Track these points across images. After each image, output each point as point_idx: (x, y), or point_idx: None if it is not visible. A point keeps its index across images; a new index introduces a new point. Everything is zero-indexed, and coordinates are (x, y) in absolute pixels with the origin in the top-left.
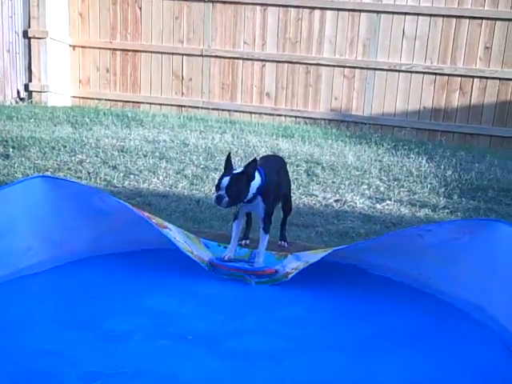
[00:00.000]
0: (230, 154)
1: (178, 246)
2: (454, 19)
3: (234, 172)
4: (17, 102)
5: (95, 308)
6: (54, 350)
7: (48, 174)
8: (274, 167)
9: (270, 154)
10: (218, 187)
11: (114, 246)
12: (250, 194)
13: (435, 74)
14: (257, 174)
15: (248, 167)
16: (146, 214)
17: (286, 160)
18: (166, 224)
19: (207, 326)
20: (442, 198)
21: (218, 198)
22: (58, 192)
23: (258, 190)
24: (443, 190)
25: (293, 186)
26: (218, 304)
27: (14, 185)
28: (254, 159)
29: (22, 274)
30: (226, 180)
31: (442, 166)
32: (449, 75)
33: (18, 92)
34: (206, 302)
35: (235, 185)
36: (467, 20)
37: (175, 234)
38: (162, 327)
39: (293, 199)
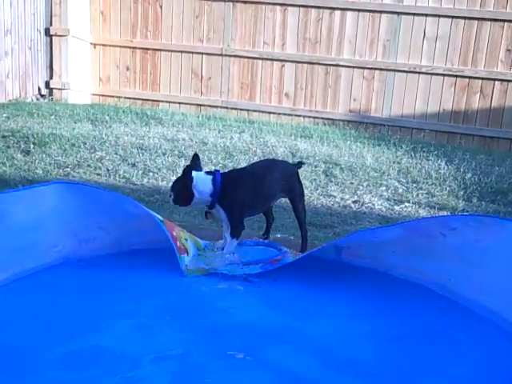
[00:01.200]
0: (195, 153)
1: (185, 274)
2: (476, 21)
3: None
4: (38, 99)
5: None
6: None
7: (68, 170)
8: (255, 174)
9: (278, 159)
10: None
11: (141, 244)
12: (203, 200)
13: (456, 76)
14: (206, 181)
15: (183, 170)
16: (176, 231)
17: (305, 160)
18: (187, 246)
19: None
20: (461, 201)
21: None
22: (87, 196)
23: (212, 197)
24: (462, 192)
25: (311, 187)
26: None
27: (45, 185)
28: (192, 161)
29: (48, 267)
30: (175, 180)
31: (462, 169)
32: (469, 77)
33: (39, 89)
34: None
35: (176, 186)
36: (489, 22)
37: (189, 261)
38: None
39: (311, 199)
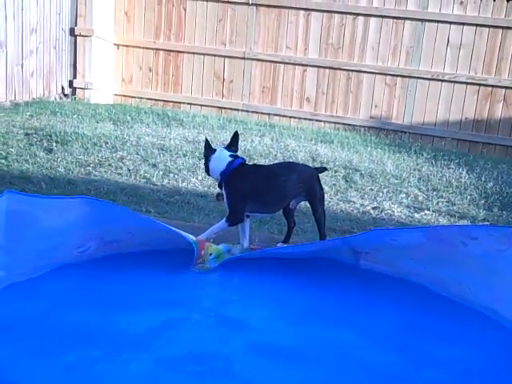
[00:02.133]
0: (236, 132)
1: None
2: (501, 30)
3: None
4: (61, 98)
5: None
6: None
7: (89, 169)
8: (271, 172)
9: (299, 162)
10: None
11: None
12: (215, 176)
13: (479, 84)
14: (223, 160)
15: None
16: (205, 247)
17: (325, 165)
18: (208, 260)
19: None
20: (481, 210)
21: None
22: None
23: (221, 176)
24: (483, 202)
25: (331, 192)
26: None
27: (74, 198)
28: (231, 139)
29: (71, 265)
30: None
31: (483, 178)
32: (493, 86)
33: (63, 88)
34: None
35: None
36: None
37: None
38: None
39: (330, 204)
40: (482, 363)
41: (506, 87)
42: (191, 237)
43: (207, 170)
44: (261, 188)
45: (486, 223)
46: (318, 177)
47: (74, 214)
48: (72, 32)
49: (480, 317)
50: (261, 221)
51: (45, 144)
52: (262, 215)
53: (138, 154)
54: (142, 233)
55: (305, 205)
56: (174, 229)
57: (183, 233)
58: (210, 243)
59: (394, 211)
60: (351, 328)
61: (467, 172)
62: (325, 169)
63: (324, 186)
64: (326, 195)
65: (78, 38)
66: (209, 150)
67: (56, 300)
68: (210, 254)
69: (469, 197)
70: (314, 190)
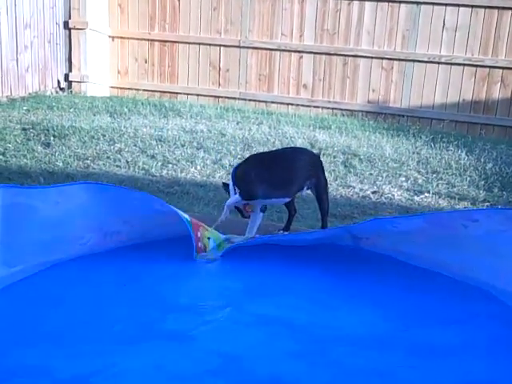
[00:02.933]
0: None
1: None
2: (496, 10)
3: None
4: (57, 92)
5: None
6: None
7: (88, 162)
8: (276, 157)
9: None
10: None
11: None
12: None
13: (476, 65)
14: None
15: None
16: (200, 231)
17: (324, 151)
18: (208, 244)
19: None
20: (481, 191)
21: None
22: (114, 195)
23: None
24: (483, 183)
25: (330, 178)
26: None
27: (72, 185)
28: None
29: (74, 258)
30: None
31: (482, 159)
32: (490, 67)
33: (59, 82)
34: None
35: None
36: (510, 11)
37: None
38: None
39: (330, 190)
40: (485, 341)
41: (503, 67)
42: (185, 215)
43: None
44: (268, 169)
45: (486, 204)
46: (322, 163)
47: (75, 202)
48: (66, 25)
49: (482, 295)
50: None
51: (42, 138)
52: (278, 201)
53: (135, 145)
54: (142, 221)
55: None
56: (171, 207)
57: (178, 211)
58: (204, 226)
59: (393, 195)
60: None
61: (466, 153)
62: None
63: None
64: None
65: (72, 31)
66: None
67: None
68: (209, 238)
69: (468, 178)
70: (320, 176)
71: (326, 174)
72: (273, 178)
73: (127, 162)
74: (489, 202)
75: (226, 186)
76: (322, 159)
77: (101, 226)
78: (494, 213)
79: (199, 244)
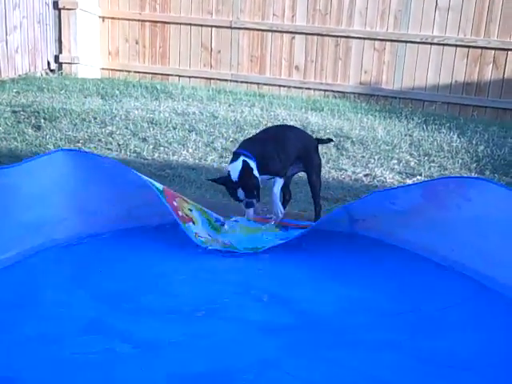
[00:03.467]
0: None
1: (196, 243)
2: None
3: None
4: (47, 74)
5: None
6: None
7: (79, 145)
8: (273, 134)
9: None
10: None
11: (145, 218)
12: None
13: (468, 46)
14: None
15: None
16: (177, 200)
17: (316, 134)
18: (192, 215)
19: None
20: (473, 174)
21: None
22: (89, 164)
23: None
24: (475, 165)
25: (322, 160)
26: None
27: (41, 157)
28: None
29: (56, 243)
30: None
31: (474, 142)
32: (482, 48)
33: (49, 63)
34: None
35: None
36: None
37: (198, 229)
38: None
39: (322, 173)
40: (476, 326)
41: (495, 48)
42: (158, 185)
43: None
44: (276, 145)
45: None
46: (317, 146)
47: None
48: (56, 5)
49: (473, 282)
50: None
51: (33, 121)
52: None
53: (127, 128)
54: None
55: (297, 174)
56: (143, 177)
57: (151, 181)
58: (183, 197)
59: (386, 178)
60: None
61: (458, 136)
62: (330, 140)
63: None
64: None
65: (62, 11)
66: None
67: None
68: (190, 210)
69: (460, 161)
70: (311, 157)
71: None
72: (280, 154)
73: (119, 144)
74: None
75: (229, 181)
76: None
77: (80, 204)
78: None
79: (179, 213)
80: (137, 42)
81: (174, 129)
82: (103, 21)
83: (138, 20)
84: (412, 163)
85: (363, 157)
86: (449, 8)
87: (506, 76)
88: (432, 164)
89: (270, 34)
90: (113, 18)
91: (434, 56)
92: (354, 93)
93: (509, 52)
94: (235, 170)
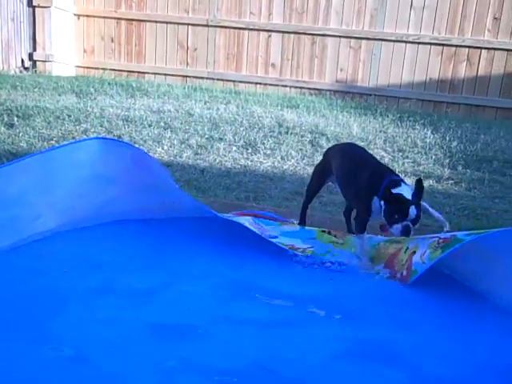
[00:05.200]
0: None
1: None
2: None
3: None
4: (21, 72)
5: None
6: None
7: (53, 143)
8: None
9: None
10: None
11: (124, 213)
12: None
13: (443, 44)
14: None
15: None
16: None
17: (291, 130)
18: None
19: None
20: (446, 169)
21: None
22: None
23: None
24: (448, 161)
25: (297, 157)
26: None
27: (20, 161)
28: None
29: (31, 240)
30: None
31: (447, 138)
32: (456, 46)
33: (23, 61)
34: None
35: None
36: None
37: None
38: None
39: (297, 169)
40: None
41: (469, 46)
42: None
43: None
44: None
45: (450, 182)
46: None
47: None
48: (30, 3)
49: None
50: (228, 188)
51: (5, 119)
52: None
53: (102, 126)
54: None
55: (272, 170)
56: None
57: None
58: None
59: None
60: None
61: (432, 132)
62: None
63: (290, 150)
64: (292, 160)
65: (36, 9)
66: None
67: None
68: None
69: (434, 156)
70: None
71: (293, 153)
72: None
73: None
74: (453, 179)
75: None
76: (289, 139)
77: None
78: None
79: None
80: (112, 40)
81: (150, 126)
82: (78, 18)
83: (114, 18)
84: (386, 159)
85: None
86: (424, 7)
87: (479, 73)
88: (406, 160)
89: (246, 32)
90: (88, 16)
91: (409, 54)
92: (329, 90)
93: (482, 50)
94: (407, 192)
